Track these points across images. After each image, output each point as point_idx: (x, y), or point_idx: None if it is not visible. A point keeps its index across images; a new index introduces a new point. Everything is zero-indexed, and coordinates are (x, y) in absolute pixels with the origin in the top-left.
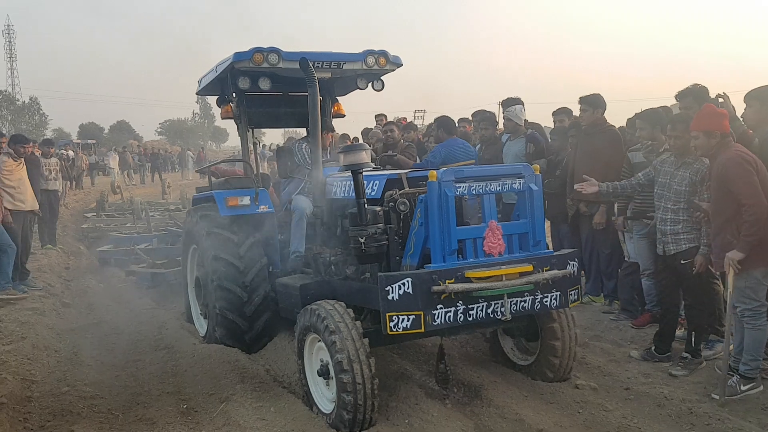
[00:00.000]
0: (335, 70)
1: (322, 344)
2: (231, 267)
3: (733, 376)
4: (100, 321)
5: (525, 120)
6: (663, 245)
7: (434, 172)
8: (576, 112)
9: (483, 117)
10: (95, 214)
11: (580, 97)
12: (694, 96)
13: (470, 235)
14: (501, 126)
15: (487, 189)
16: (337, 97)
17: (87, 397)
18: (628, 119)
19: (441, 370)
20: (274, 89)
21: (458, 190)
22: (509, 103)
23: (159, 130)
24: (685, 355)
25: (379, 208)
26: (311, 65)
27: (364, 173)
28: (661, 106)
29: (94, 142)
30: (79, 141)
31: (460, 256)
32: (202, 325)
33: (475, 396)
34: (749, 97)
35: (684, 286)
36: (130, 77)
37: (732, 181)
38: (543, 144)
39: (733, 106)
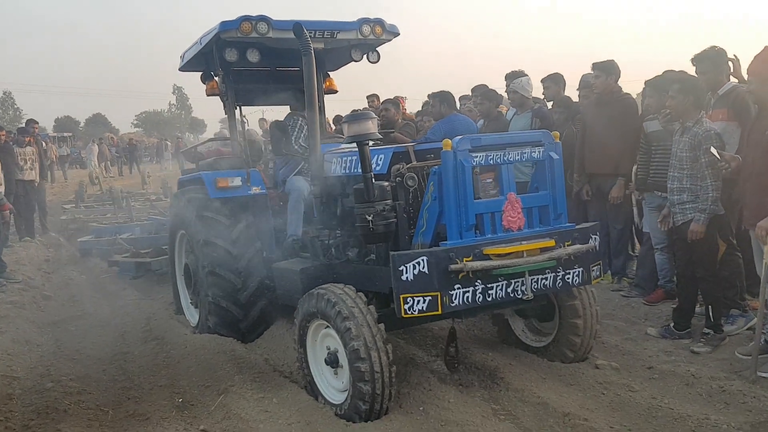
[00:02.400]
0: (329, 40)
1: (331, 331)
2: (223, 252)
3: None
4: (84, 313)
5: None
6: (673, 216)
7: (449, 141)
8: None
9: (481, 92)
10: (74, 205)
11: (593, 63)
12: (711, 59)
13: (488, 209)
14: (504, 104)
15: (506, 158)
16: (329, 72)
17: (73, 393)
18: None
19: (451, 353)
20: (263, 63)
21: (474, 160)
22: (514, 76)
23: (135, 122)
24: (707, 331)
25: (386, 184)
26: (306, 32)
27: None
28: (669, 71)
29: (69, 135)
30: (54, 134)
31: (477, 232)
32: (193, 315)
33: (491, 380)
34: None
35: (695, 258)
36: (105, 69)
37: None
38: (550, 119)
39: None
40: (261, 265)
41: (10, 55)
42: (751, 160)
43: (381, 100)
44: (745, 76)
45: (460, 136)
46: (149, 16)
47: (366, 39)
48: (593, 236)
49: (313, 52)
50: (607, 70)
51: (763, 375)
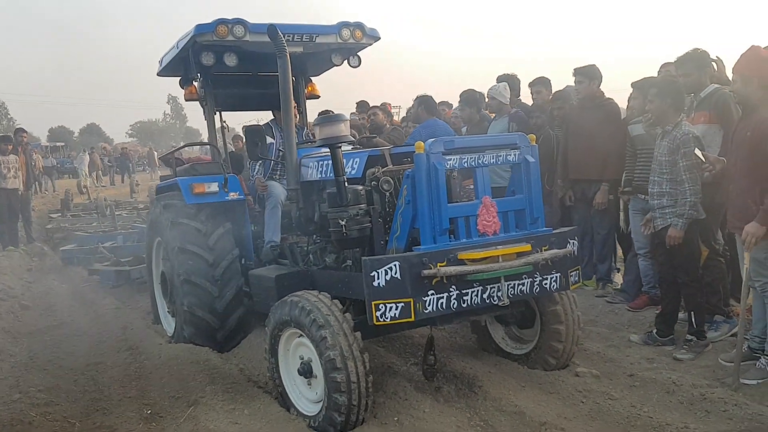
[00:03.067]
0: (307, 44)
1: (305, 340)
2: (199, 259)
3: (759, 357)
4: (61, 323)
5: (511, 98)
6: (653, 221)
7: (421, 143)
8: (556, 84)
9: (464, 97)
10: (60, 214)
11: (574, 69)
12: (694, 62)
13: (462, 213)
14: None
15: (480, 161)
16: (312, 77)
17: (41, 405)
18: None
19: (429, 362)
20: (242, 68)
21: (448, 163)
22: (501, 80)
23: (130, 132)
24: (690, 337)
25: (360, 188)
26: (281, 34)
27: (343, 150)
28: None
29: (62, 144)
30: (47, 144)
31: (451, 236)
32: (169, 324)
33: (469, 389)
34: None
35: (676, 263)
36: (100, 79)
37: None
38: (527, 123)
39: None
40: (238, 272)
41: (4, 65)
42: (735, 162)
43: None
44: (730, 77)
45: (432, 139)
46: (144, 25)
47: (346, 43)
48: (571, 241)
49: (287, 54)
50: (589, 75)
51: (747, 382)
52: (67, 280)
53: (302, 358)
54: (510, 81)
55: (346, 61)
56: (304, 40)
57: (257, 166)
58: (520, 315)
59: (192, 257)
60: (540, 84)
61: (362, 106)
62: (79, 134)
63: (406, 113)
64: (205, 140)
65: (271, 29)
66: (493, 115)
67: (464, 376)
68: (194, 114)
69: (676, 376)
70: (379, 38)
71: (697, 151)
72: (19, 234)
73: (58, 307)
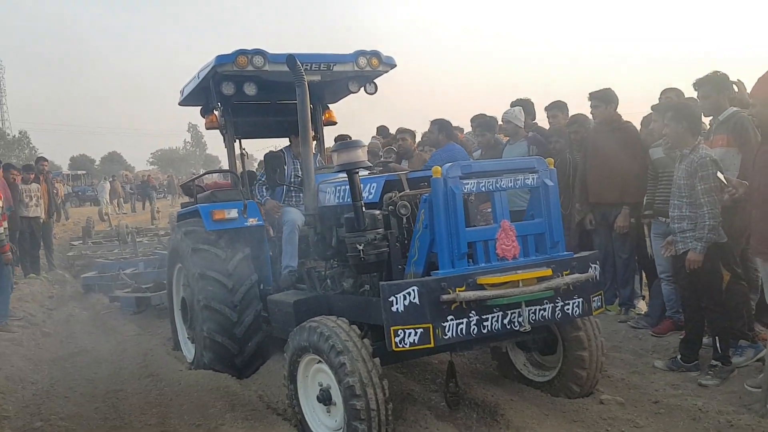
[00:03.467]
0: (325, 72)
1: (323, 366)
2: (219, 285)
3: None
4: (82, 350)
5: (526, 122)
6: (675, 245)
7: (438, 168)
8: (573, 109)
9: (480, 122)
10: (81, 242)
11: (589, 93)
12: (712, 84)
13: (481, 237)
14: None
15: (498, 185)
16: (329, 105)
17: None
18: (644, 117)
19: (451, 390)
20: (261, 96)
21: (466, 187)
22: (515, 105)
23: (151, 159)
24: (714, 363)
25: (378, 212)
26: (299, 63)
27: (360, 176)
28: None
29: (84, 173)
30: (68, 173)
31: (470, 260)
32: (189, 350)
33: (491, 417)
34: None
35: (699, 288)
36: (121, 108)
37: None
38: (546, 146)
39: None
40: (257, 297)
41: (26, 94)
42: (758, 186)
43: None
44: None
45: (450, 163)
46: (165, 54)
47: (363, 71)
48: (593, 265)
49: (306, 83)
50: (605, 99)
51: None
52: (88, 307)
53: (321, 385)
54: (524, 105)
55: (362, 87)
56: (321, 68)
57: (264, 191)
58: (542, 341)
59: (211, 283)
60: (556, 108)
61: (383, 130)
62: (100, 162)
63: (422, 137)
64: (225, 167)
65: (290, 59)
66: (506, 138)
67: (486, 404)
68: (214, 141)
69: (702, 402)
70: (395, 65)
71: (720, 174)
72: (41, 262)
73: (78, 334)
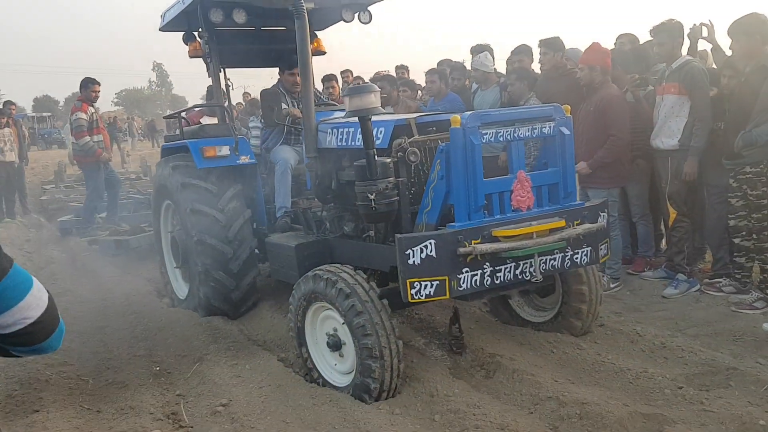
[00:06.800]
0: None
1: (332, 312)
2: (212, 220)
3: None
4: (65, 290)
5: (495, 68)
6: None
7: (457, 117)
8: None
9: (451, 66)
10: (54, 185)
11: (539, 40)
12: (668, 32)
13: (498, 189)
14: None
15: (516, 135)
16: (317, 32)
17: (55, 365)
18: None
19: (455, 334)
20: (246, 22)
21: (485, 137)
22: (477, 50)
23: (115, 100)
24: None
25: (389, 160)
26: None
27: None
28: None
29: (49, 114)
30: (33, 114)
31: (485, 212)
32: (180, 288)
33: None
34: (734, 32)
35: None
36: (83, 47)
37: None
38: (535, 77)
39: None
40: (251, 234)
41: None
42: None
43: (354, 76)
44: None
45: (469, 112)
46: None
47: None
48: (602, 214)
49: (306, 14)
50: (553, 47)
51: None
52: (66, 250)
53: (332, 330)
54: (488, 50)
55: (356, 16)
56: None
57: (269, 132)
58: (541, 284)
59: (204, 218)
60: (522, 53)
61: (346, 75)
62: (64, 104)
63: (425, 86)
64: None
65: None
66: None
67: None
68: (180, 81)
69: (641, 327)
70: None
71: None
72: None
73: (60, 275)
